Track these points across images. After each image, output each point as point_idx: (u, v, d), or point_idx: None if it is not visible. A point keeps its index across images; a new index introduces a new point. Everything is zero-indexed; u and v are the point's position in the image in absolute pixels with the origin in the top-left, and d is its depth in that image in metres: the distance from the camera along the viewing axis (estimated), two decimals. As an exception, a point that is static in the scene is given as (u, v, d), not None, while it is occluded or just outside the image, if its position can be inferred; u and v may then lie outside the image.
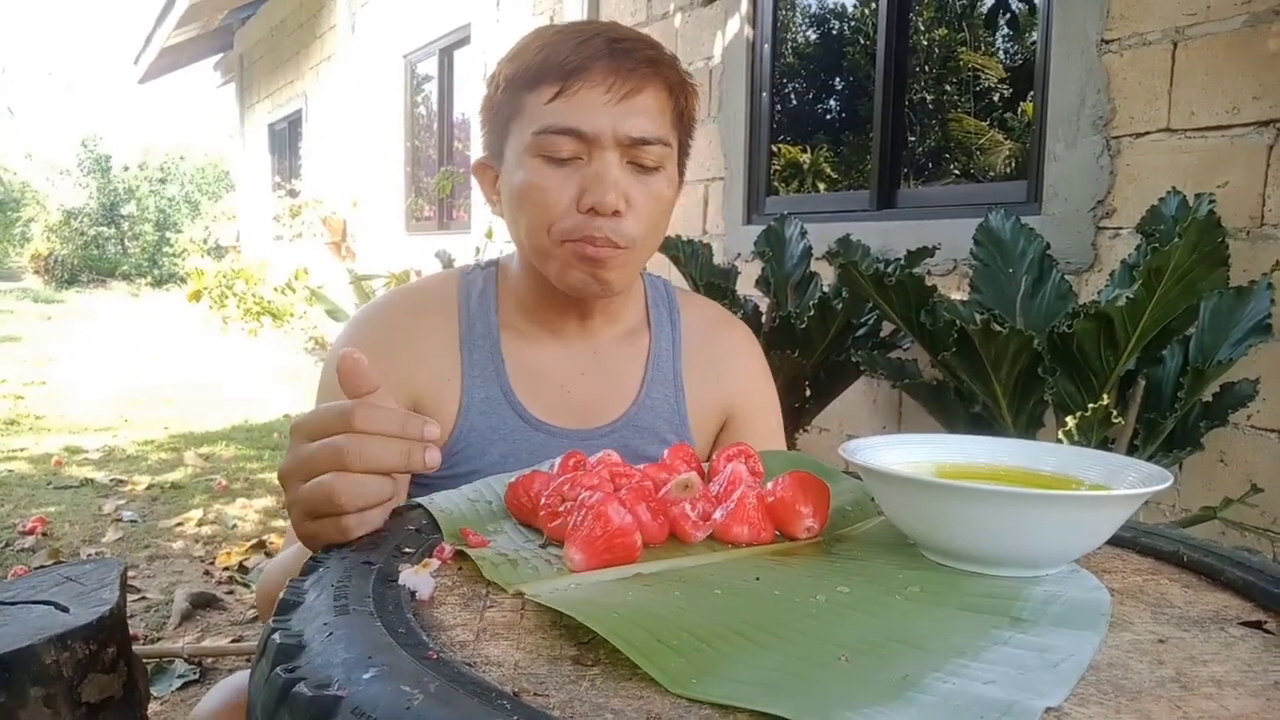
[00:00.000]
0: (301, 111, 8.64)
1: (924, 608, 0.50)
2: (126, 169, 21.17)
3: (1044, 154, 2.22)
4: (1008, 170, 3.55)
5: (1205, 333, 1.66)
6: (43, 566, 2.36)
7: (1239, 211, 1.84)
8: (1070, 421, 1.61)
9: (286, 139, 9.60)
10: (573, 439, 0.90)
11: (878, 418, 2.74)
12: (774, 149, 3.30)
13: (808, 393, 2.38)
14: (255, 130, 10.63)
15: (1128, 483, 0.58)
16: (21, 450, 3.99)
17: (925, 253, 2.19)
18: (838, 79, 3.80)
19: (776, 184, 3.39)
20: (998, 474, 0.64)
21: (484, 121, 0.91)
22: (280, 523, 3.06)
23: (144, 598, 2.39)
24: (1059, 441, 1.57)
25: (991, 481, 0.61)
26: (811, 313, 2.10)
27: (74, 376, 6.20)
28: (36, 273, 18.73)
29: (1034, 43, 2.47)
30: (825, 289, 2.29)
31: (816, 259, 2.40)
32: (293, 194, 8.86)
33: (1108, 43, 2.07)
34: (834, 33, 3.75)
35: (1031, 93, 2.43)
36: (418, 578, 0.51)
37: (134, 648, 0.84)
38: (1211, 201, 1.61)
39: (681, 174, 0.92)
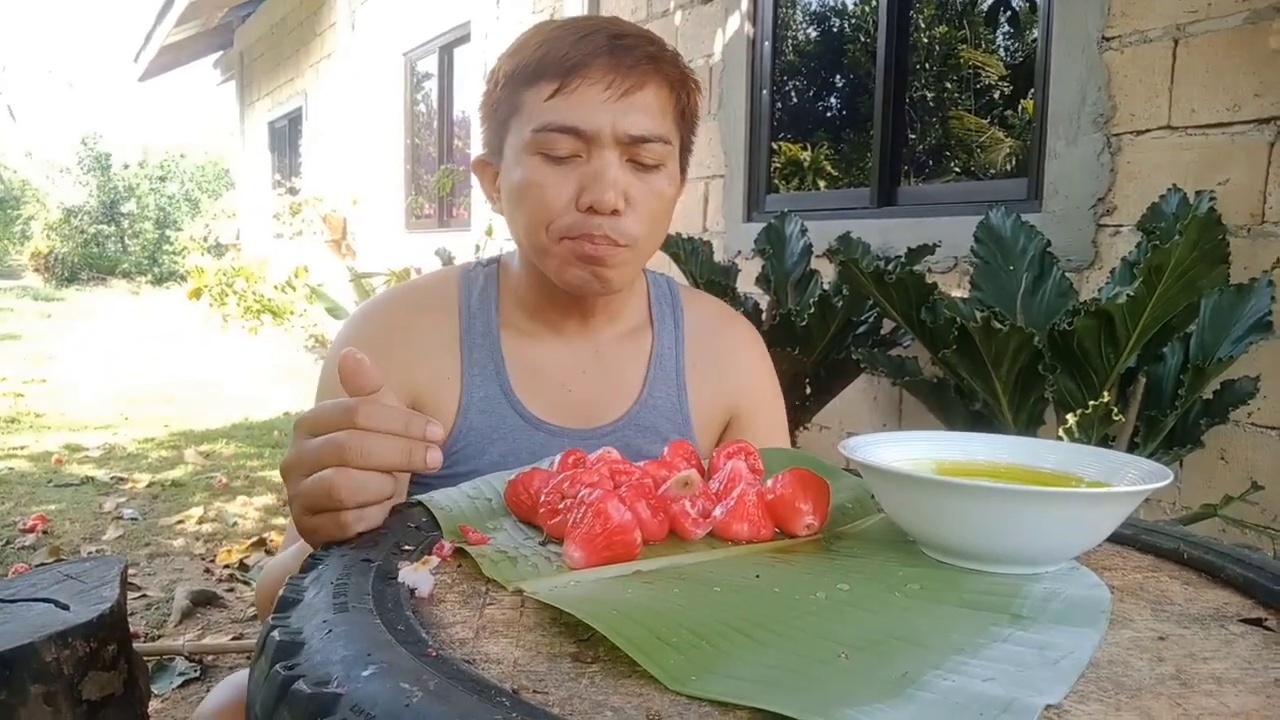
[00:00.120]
0: (301, 109, 8.64)
1: (924, 605, 0.50)
2: (126, 167, 21.15)
3: (1044, 151, 2.22)
4: (1008, 168, 3.54)
5: (1206, 330, 1.66)
6: (43, 564, 2.36)
7: (1239, 209, 1.84)
8: (1071, 419, 1.61)
9: (286, 137, 9.60)
10: (574, 438, 0.89)
11: (878, 415, 2.74)
12: (774, 146, 3.30)
13: (808, 390, 2.38)
14: (255, 128, 10.62)
15: (1128, 480, 0.58)
16: (22, 448, 3.99)
17: (926, 250, 2.19)
18: (838, 76, 3.80)
19: (777, 181, 3.39)
20: (997, 471, 0.64)
21: (484, 118, 0.90)
22: (281, 520, 3.06)
23: (144, 595, 2.39)
24: (1059, 439, 1.57)
25: (991, 479, 0.61)
26: (812, 310, 2.09)
27: (74, 374, 6.20)
28: (37, 271, 18.73)
29: (1034, 40, 2.46)
30: (825, 286, 2.28)
31: (817, 256, 2.40)
32: (293, 192, 8.86)
33: (1108, 40, 2.06)
34: (834, 30, 3.75)
35: (1032, 90, 2.43)
36: (417, 575, 0.51)
37: (134, 645, 0.84)
38: (1212, 199, 1.61)
39: (684, 171, 0.91)
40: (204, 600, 2.36)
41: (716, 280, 2.21)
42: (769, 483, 0.63)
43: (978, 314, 1.69)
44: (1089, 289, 2.09)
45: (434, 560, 0.53)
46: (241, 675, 0.91)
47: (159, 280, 18.41)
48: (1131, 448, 1.71)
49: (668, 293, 1.00)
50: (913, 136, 3.33)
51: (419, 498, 0.66)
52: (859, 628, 0.46)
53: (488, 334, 0.91)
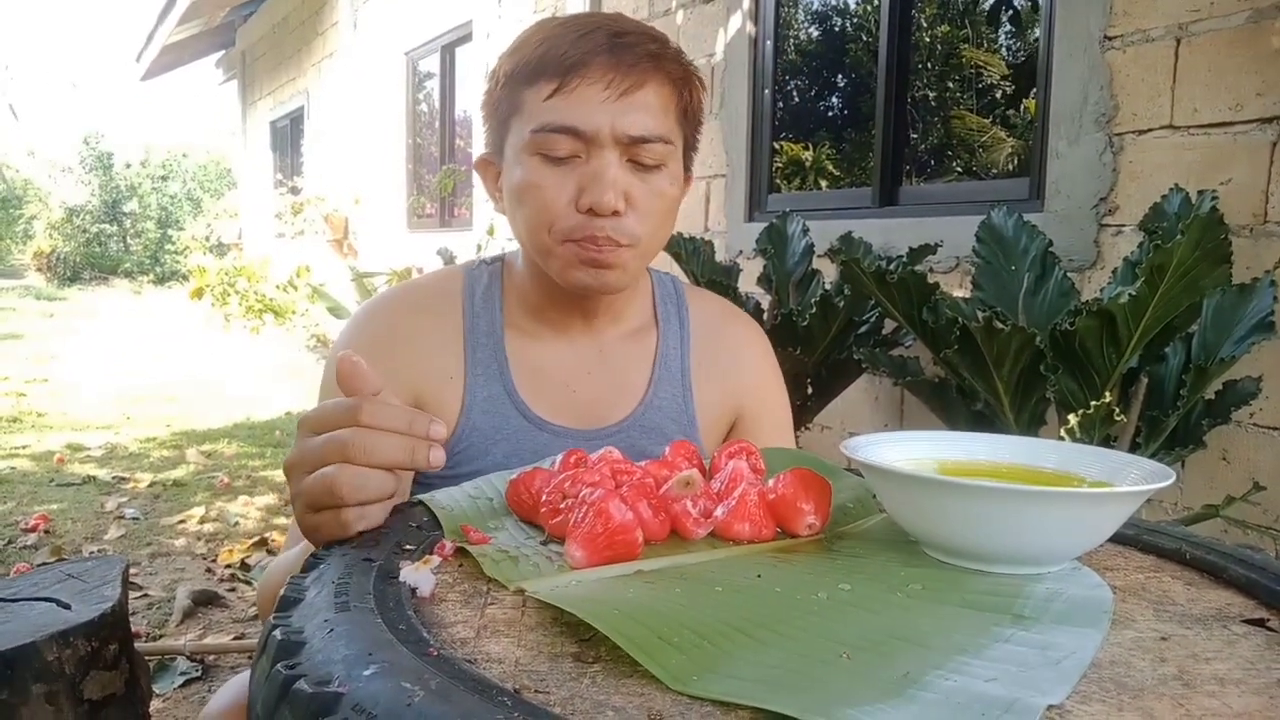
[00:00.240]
0: (303, 109, 8.64)
1: (925, 605, 0.50)
2: (129, 166, 21.17)
3: (1046, 151, 2.22)
4: (1010, 167, 3.54)
5: (1208, 330, 1.66)
6: (45, 564, 2.37)
7: (1242, 209, 1.84)
8: (1072, 419, 1.61)
9: (288, 136, 9.60)
10: (578, 439, 0.89)
11: (879, 415, 2.74)
12: (776, 146, 3.30)
13: (809, 390, 2.38)
14: (257, 127, 10.63)
15: (1130, 480, 0.58)
16: (24, 448, 4.00)
17: (927, 250, 2.18)
18: (840, 76, 3.80)
19: (778, 181, 3.39)
20: (999, 471, 0.64)
21: (485, 117, 0.89)
22: (282, 520, 3.06)
23: (146, 595, 2.39)
24: (1061, 439, 1.57)
25: (993, 479, 0.61)
26: (813, 310, 2.09)
27: (76, 374, 6.21)
28: (39, 270, 18.74)
29: (1036, 39, 2.46)
30: (827, 286, 2.28)
31: (818, 256, 2.40)
32: (295, 191, 8.86)
33: (1110, 39, 2.06)
34: (836, 29, 3.75)
35: (1034, 89, 2.43)
36: (418, 574, 0.51)
37: (136, 645, 0.84)
38: (1214, 198, 1.60)
39: (688, 169, 0.90)
40: (205, 600, 2.36)
41: (718, 280, 2.21)
42: (770, 482, 0.63)
43: (979, 314, 1.69)
44: (1091, 289, 2.09)
45: (435, 560, 0.53)
46: (246, 675, 0.91)
47: (161, 280, 18.42)
48: (1133, 448, 1.71)
49: (672, 292, 1.00)
50: (914, 136, 3.33)
51: (420, 497, 0.66)
52: (861, 628, 0.46)
53: (492, 334, 0.91)
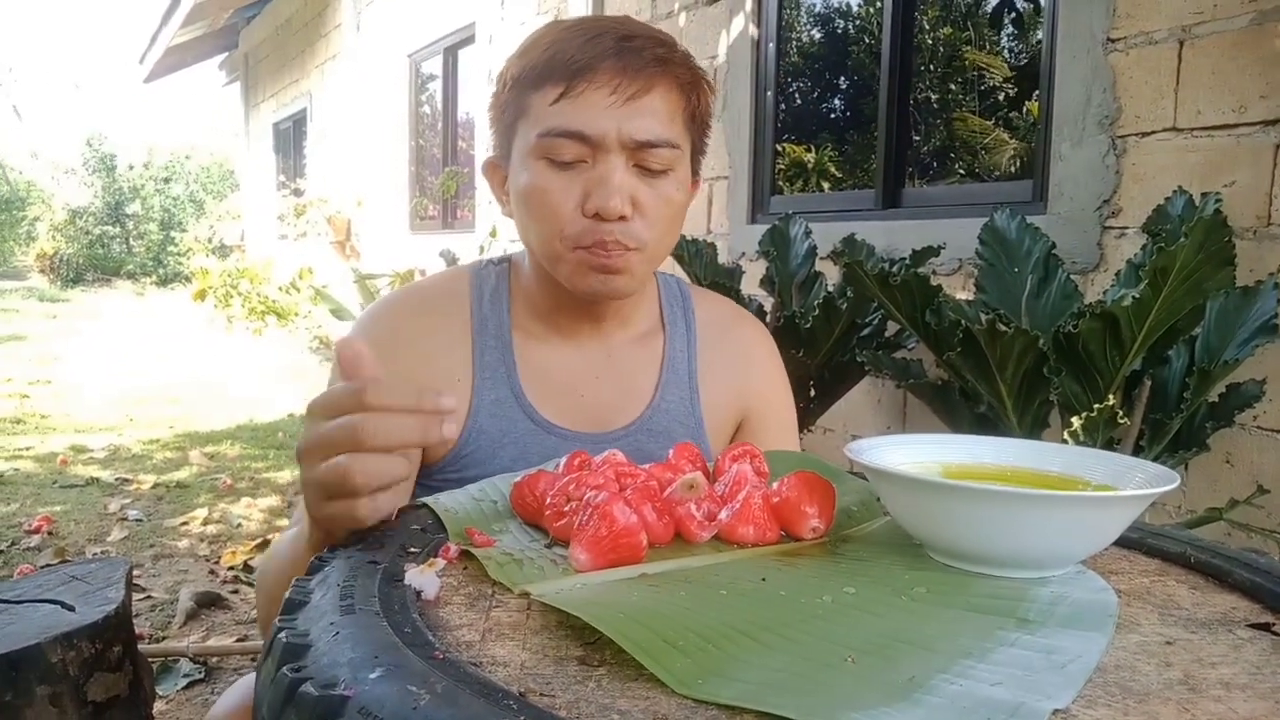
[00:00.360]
0: (306, 110, 8.65)
1: (930, 609, 0.50)
2: (131, 168, 21.19)
3: (1049, 153, 2.21)
4: (1013, 170, 3.54)
5: (1211, 333, 1.65)
6: (48, 565, 2.37)
7: (1245, 211, 1.84)
8: (1076, 422, 1.61)
9: (291, 138, 9.61)
10: (585, 442, 0.88)
11: (882, 418, 2.74)
12: (778, 148, 3.30)
13: (812, 393, 2.38)
14: (260, 129, 10.64)
15: (1134, 484, 0.58)
16: (27, 449, 4.00)
17: (930, 252, 2.18)
18: (842, 78, 3.80)
19: (781, 183, 3.39)
20: (1003, 474, 0.64)
21: (492, 121, 0.89)
22: (285, 522, 3.06)
23: (149, 597, 2.39)
24: (1064, 442, 1.56)
25: (997, 482, 0.61)
26: (816, 312, 2.09)
27: (79, 375, 6.21)
28: (42, 272, 18.77)
29: (1039, 41, 2.46)
30: (830, 289, 2.28)
31: (821, 258, 2.40)
32: (297, 193, 8.87)
33: (1113, 41, 2.06)
34: (839, 32, 3.75)
35: (1037, 92, 2.43)
36: (423, 577, 0.51)
37: (139, 647, 0.84)
38: (1218, 201, 1.60)
39: (697, 173, 0.90)
40: (208, 602, 2.36)
41: (721, 282, 2.21)
42: (774, 485, 0.63)
43: (982, 316, 1.69)
44: (1094, 291, 2.09)
45: (440, 563, 0.53)
46: (253, 677, 0.91)
47: (164, 281, 18.44)
48: (1136, 451, 1.71)
49: (678, 294, 0.99)
50: (917, 138, 3.33)
51: (425, 500, 0.66)
52: (865, 631, 0.46)
53: (500, 336, 0.90)
